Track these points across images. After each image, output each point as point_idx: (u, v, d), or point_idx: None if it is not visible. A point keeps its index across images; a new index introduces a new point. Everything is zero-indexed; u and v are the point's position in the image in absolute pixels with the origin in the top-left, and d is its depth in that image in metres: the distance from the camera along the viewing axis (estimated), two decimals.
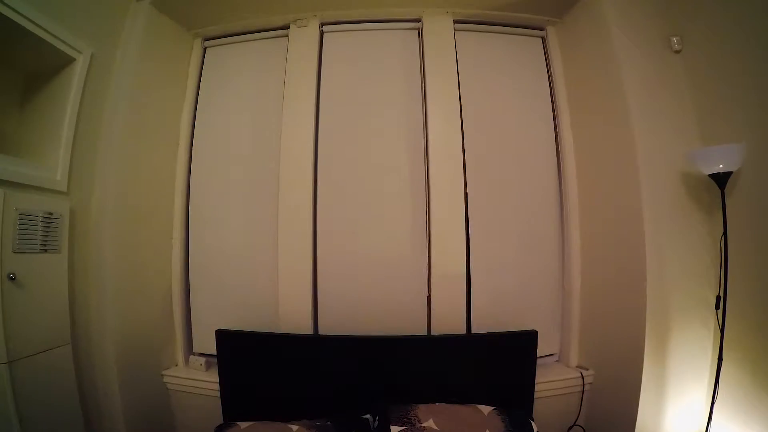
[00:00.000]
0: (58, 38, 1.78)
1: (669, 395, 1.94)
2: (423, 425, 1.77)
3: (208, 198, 2.43)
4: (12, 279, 1.56)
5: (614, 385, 2.07)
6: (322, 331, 2.23)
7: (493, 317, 2.20)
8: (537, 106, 2.42)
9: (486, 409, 1.87)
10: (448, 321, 2.16)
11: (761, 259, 1.78)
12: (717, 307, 1.89)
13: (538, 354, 2.21)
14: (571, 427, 2.20)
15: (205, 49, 2.51)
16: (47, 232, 1.72)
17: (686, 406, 1.96)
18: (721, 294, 1.86)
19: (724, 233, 1.84)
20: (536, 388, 2.08)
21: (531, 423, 1.88)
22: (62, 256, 1.80)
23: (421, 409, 1.84)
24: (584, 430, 2.20)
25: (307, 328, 2.19)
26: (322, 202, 2.27)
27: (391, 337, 2.05)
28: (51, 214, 1.73)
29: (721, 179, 1.80)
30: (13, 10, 1.58)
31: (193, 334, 2.43)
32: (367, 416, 1.92)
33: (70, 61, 1.87)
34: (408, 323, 2.19)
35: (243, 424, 1.86)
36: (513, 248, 2.32)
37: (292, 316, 2.18)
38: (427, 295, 2.21)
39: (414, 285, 2.23)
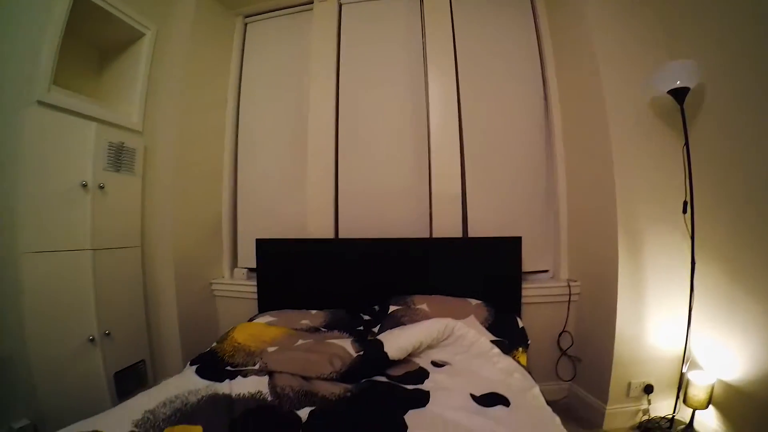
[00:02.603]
0: (133, 19, 2.21)
1: (648, 302, 1.99)
2: (417, 306, 1.99)
3: (252, 138, 2.80)
4: (101, 188, 1.97)
5: (596, 295, 2.15)
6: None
7: (487, 233, 2.35)
8: (526, 48, 2.53)
9: (475, 302, 2.04)
10: (447, 233, 2.36)
11: (725, 166, 1.81)
12: (684, 212, 1.92)
13: (533, 269, 2.39)
14: (561, 333, 2.30)
15: (245, 24, 2.88)
16: (127, 158, 2.13)
17: (667, 311, 1.98)
18: (688, 199, 1.91)
19: (686, 143, 1.89)
20: (527, 293, 2.23)
21: (516, 318, 2.02)
22: (137, 178, 2.21)
23: (418, 298, 2.06)
24: (572, 336, 2.29)
25: (329, 236, 2.50)
26: (343, 135, 2.57)
27: (398, 239, 2.31)
28: (125, 144, 2.12)
29: (679, 95, 1.83)
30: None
31: (237, 252, 2.80)
32: (375, 306, 2.16)
33: (141, 35, 2.30)
34: (413, 234, 2.43)
35: (272, 312, 2.18)
36: (504, 173, 2.46)
37: (317, 229, 2.49)
38: (428, 211, 2.42)
39: (417, 202, 2.46)
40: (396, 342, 1.57)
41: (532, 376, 1.50)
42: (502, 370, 1.49)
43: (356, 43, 2.64)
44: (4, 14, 1.66)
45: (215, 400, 1.30)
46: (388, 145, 2.54)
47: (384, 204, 2.50)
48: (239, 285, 2.61)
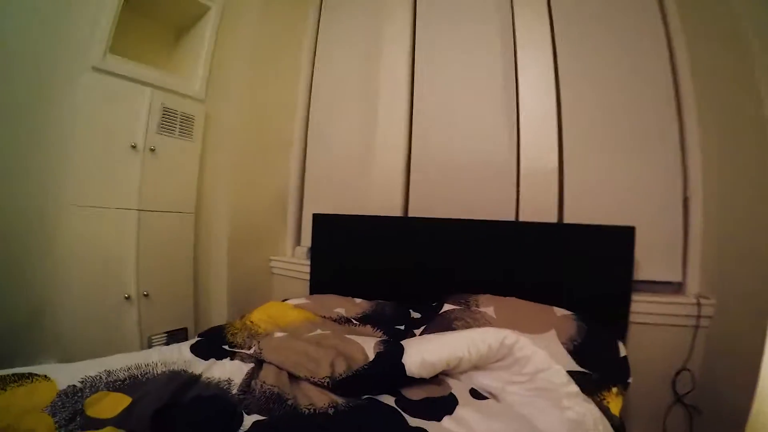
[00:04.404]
0: None
1: None
2: (479, 309, 1.42)
3: (325, 113, 2.40)
4: (152, 151, 1.83)
5: (738, 322, 1.32)
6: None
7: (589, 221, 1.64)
8: None
9: (561, 312, 1.39)
10: (537, 218, 1.71)
11: None
12: None
13: (650, 278, 1.59)
14: (679, 372, 1.50)
15: None
16: (185, 124, 1.97)
17: None
18: None
19: None
20: (634, 309, 1.48)
21: (618, 343, 1.32)
22: (195, 144, 2.04)
23: (484, 298, 1.49)
24: (693, 377, 1.47)
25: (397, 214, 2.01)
26: (418, 99, 2.06)
27: (475, 220, 1.72)
28: (182, 110, 1.96)
29: None
30: None
31: (302, 230, 2.44)
32: (434, 303, 1.61)
33: (207, 9, 2.13)
34: (494, 217, 1.80)
35: (313, 295, 1.85)
36: (612, 145, 1.69)
37: (383, 206, 2.01)
38: (516, 189, 1.79)
39: (503, 179, 1.83)
40: (422, 352, 1.05)
41: None
42: (572, 422, 0.87)
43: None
44: None
45: (175, 377, 1.00)
46: (469, 112, 1.95)
47: (463, 179, 1.92)
48: (297, 264, 2.27)
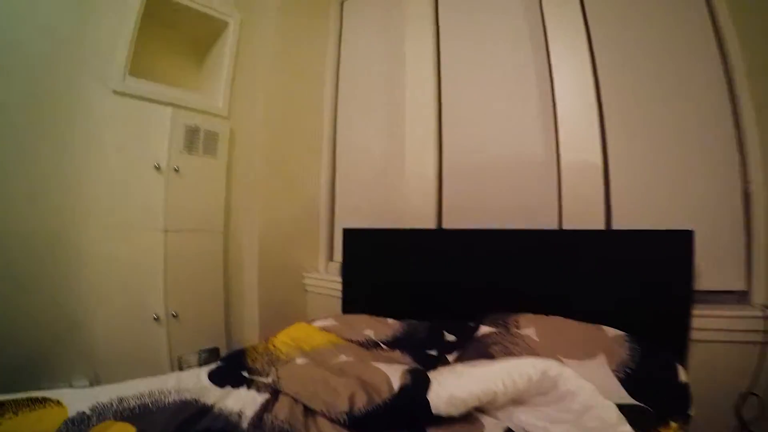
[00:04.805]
0: (215, 10, 2.06)
1: None
2: (519, 331, 1.28)
3: (353, 123, 2.33)
4: (177, 170, 1.81)
5: None
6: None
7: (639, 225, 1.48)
8: None
9: (612, 333, 1.22)
10: (582, 223, 1.55)
11: None
12: None
13: (708, 287, 1.39)
14: (743, 396, 1.31)
15: (342, 3, 2.42)
16: (209, 142, 1.96)
17: None
18: None
19: None
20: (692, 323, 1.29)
21: (677, 367, 1.14)
22: (220, 161, 2.03)
23: (525, 318, 1.34)
24: (761, 402, 1.28)
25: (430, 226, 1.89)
26: (446, 102, 1.92)
27: (514, 230, 1.58)
28: (205, 127, 1.94)
29: None
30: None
31: (334, 244, 2.35)
32: (471, 323, 1.48)
33: (225, 25, 2.12)
34: (535, 223, 1.65)
35: (343, 315, 1.78)
36: (661, 140, 1.50)
37: (415, 218, 1.89)
38: (558, 193, 1.62)
39: (543, 181, 1.66)
40: (451, 387, 0.93)
41: None
42: None
43: None
44: (84, 15, 1.65)
45: (185, 407, 0.96)
46: (501, 110, 1.81)
47: (499, 184, 1.78)
48: (329, 281, 2.16)
